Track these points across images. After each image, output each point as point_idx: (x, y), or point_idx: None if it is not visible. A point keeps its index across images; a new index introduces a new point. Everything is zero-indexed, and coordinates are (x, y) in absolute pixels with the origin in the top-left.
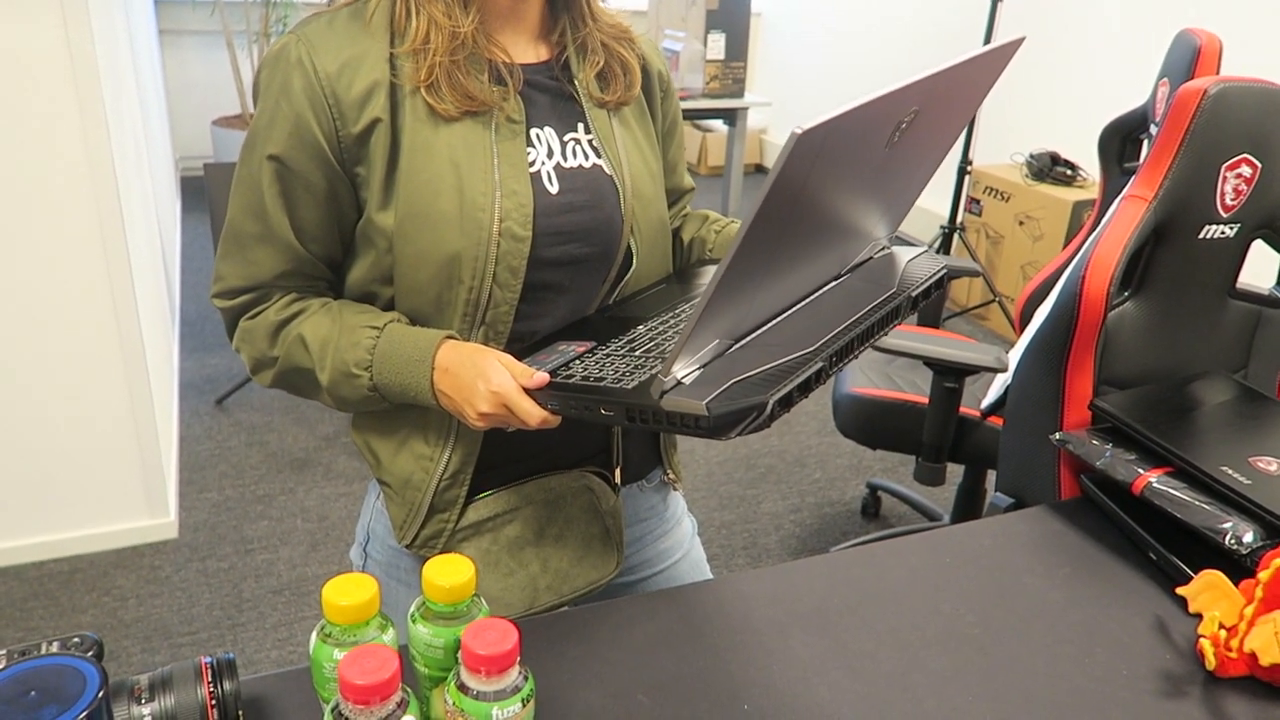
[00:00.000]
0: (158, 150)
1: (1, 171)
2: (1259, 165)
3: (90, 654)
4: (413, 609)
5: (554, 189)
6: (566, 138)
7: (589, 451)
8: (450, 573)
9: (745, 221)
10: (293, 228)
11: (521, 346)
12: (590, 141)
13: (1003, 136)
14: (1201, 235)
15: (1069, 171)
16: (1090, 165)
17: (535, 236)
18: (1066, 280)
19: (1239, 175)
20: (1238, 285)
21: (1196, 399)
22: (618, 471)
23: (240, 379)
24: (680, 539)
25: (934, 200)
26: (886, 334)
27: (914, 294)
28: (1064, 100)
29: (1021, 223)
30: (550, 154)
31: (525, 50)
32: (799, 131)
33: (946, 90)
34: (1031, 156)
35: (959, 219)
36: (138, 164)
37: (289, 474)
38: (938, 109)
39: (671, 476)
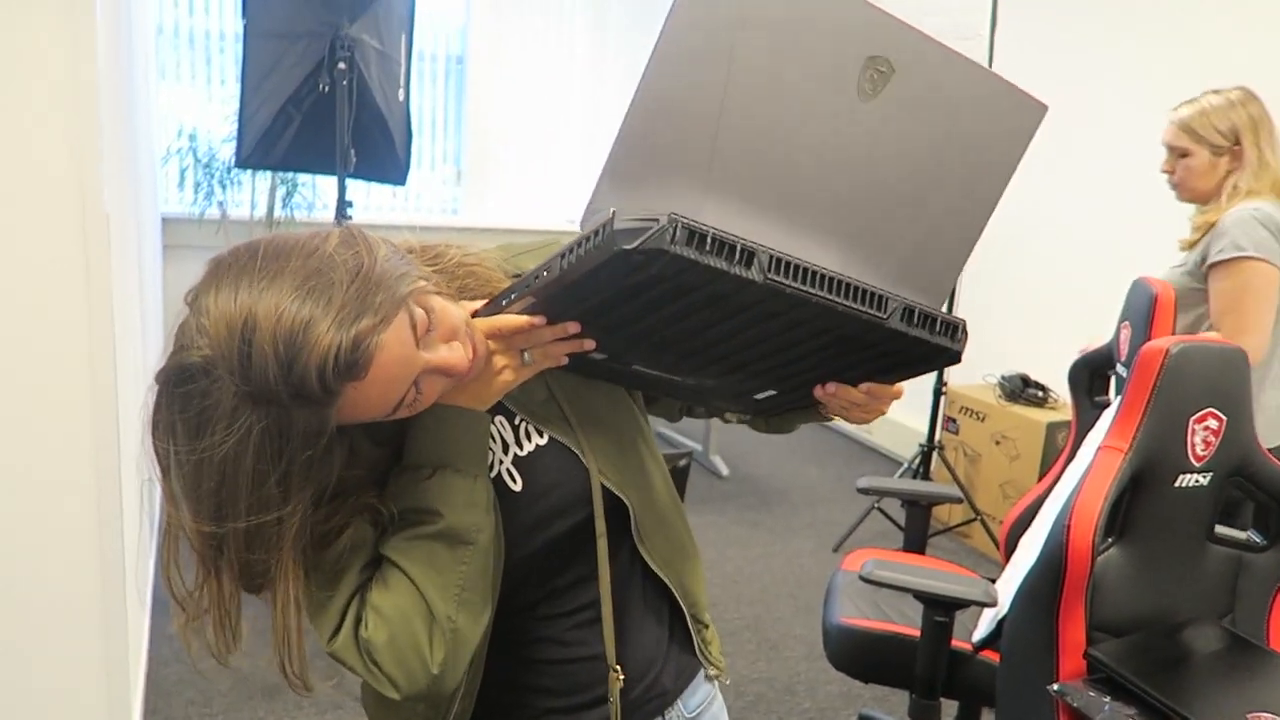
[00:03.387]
0: (151, 361)
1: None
2: (1224, 418)
3: None
4: None
5: (517, 486)
6: (517, 420)
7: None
8: None
9: None
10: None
11: None
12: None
13: (973, 358)
14: (1176, 484)
15: (1040, 393)
16: (1058, 386)
17: (509, 543)
18: (1052, 529)
19: (1206, 427)
20: (1216, 531)
21: (1189, 648)
22: None
23: None
24: None
25: (912, 417)
26: (852, 313)
27: (917, 308)
28: (1030, 327)
29: (998, 442)
30: (506, 448)
31: None
32: None
33: (933, 75)
34: (1003, 378)
35: (937, 437)
36: (135, 376)
37: (259, 701)
38: (923, 91)
39: (715, 671)
